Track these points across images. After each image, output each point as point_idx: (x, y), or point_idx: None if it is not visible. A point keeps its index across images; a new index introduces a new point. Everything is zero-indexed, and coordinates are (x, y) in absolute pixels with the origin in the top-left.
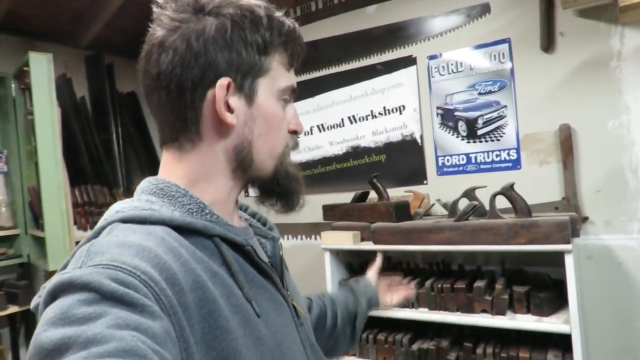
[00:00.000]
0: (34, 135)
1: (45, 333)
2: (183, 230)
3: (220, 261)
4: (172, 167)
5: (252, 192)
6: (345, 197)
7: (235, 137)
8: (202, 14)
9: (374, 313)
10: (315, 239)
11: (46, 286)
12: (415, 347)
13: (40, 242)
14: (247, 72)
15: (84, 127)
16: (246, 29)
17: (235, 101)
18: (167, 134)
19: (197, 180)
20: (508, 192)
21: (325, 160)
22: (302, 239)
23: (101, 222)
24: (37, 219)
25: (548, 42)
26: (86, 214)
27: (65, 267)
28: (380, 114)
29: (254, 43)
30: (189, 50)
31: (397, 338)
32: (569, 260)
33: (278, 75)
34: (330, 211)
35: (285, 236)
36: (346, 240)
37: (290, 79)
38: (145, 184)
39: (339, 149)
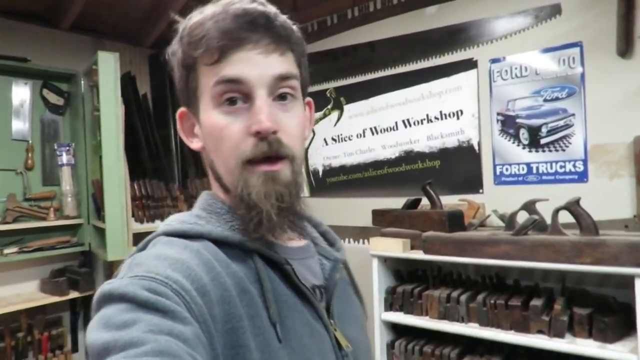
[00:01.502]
0: (100, 130)
1: (93, 334)
2: (222, 244)
3: (254, 278)
4: (212, 184)
5: None
6: (395, 203)
7: (208, 159)
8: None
9: (422, 324)
10: (363, 243)
11: (95, 295)
12: None
13: (100, 233)
14: (189, 97)
15: (144, 123)
16: (176, 54)
17: (197, 127)
18: None
19: (225, 197)
20: (573, 207)
21: (377, 164)
22: (350, 242)
23: (151, 235)
24: (99, 210)
25: (626, 46)
26: (143, 207)
27: (116, 276)
28: (436, 118)
29: (181, 66)
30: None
31: (445, 352)
32: (639, 285)
33: (205, 82)
34: (380, 216)
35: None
36: (395, 247)
37: (216, 74)
38: (201, 196)
39: (391, 153)
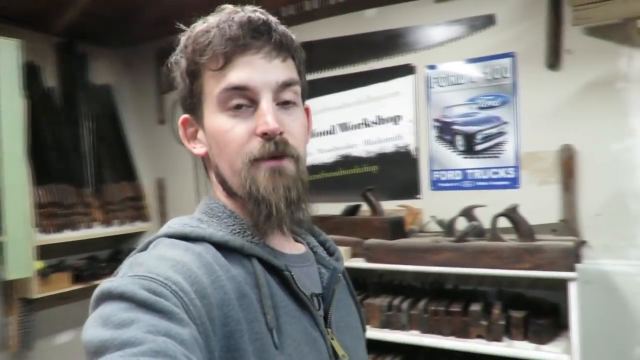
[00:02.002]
0: None
1: (90, 331)
2: (223, 247)
3: (253, 282)
4: (214, 189)
5: None
6: (333, 208)
7: (212, 164)
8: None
9: None
10: None
11: (94, 293)
12: None
13: None
14: (193, 104)
15: (51, 121)
16: (179, 63)
17: (200, 133)
18: None
19: (227, 203)
20: (512, 213)
21: (314, 169)
22: None
23: (152, 235)
24: None
25: (554, 59)
26: (50, 216)
27: (115, 275)
28: (374, 122)
29: (185, 73)
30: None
31: None
32: (573, 288)
33: (211, 89)
34: (319, 223)
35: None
36: None
37: (224, 81)
38: (203, 201)
39: (328, 157)
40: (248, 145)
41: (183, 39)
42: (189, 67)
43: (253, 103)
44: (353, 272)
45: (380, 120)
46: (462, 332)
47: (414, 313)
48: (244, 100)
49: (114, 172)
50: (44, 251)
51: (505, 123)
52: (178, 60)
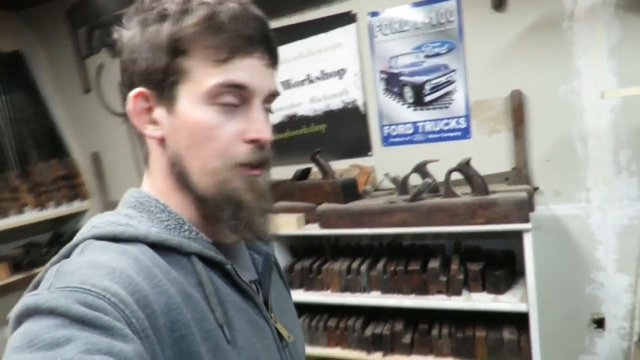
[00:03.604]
0: None
1: None
2: (158, 247)
3: (195, 281)
4: (150, 178)
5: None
6: (283, 172)
7: (169, 151)
8: (129, 22)
9: (324, 299)
10: None
11: (13, 310)
12: (368, 331)
13: None
14: (161, 79)
15: None
16: (150, 31)
17: (159, 112)
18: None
19: (163, 194)
20: (464, 168)
21: None
22: None
23: (76, 238)
24: None
25: (499, 0)
26: None
27: (36, 286)
28: (317, 78)
29: (162, 44)
30: (121, 63)
31: (349, 324)
32: (527, 240)
33: (202, 76)
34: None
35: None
36: (290, 224)
37: (223, 75)
38: (127, 195)
39: (273, 119)
40: (234, 149)
41: (171, 3)
42: (173, 40)
43: (243, 103)
44: (308, 239)
45: (324, 75)
46: (422, 290)
47: (373, 274)
48: (236, 99)
49: (40, 151)
50: None
51: (453, 71)
52: (150, 23)
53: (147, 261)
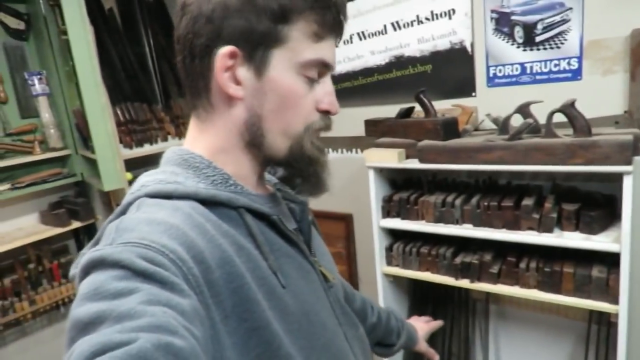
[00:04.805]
0: (71, 56)
1: (80, 308)
2: (208, 203)
3: (245, 232)
4: (195, 136)
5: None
6: (387, 110)
7: (245, 111)
8: None
9: (418, 227)
10: (357, 152)
11: (80, 261)
12: (458, 260)
13: (90, 163)
14: (258, 42)
15: (116, 42)
16: None
17: (244, 72)
18: (190, 100)
19: (217, 152)
20: (567, 109)
21: (367, 71)
22: (343, 152)
23: (128, 196)
24: (85, 140)
25: None
26: (130, 132)
27: (97, 242)
28: (427, 19)
29: (268, 9)
30: (200, 16)
31: (441, 252)
32: (627, 182)
33: (300, 47)
34: (372, 127)
35: (326, 149)
36: (391, 158)
37: (318, 51)
38: (169, 154)
39: (381, 59)
40: (311, 116)
41: None
42: (284, 8)
43: (319, 78)
44: (408, 173)
45: (434, 16)
46: (514, 225)
47: (466, 208)
48: (316, 75)
49: (178, 88)
50: (130, 164)
51: (569, 9)
52: None
53: (199, 217)
